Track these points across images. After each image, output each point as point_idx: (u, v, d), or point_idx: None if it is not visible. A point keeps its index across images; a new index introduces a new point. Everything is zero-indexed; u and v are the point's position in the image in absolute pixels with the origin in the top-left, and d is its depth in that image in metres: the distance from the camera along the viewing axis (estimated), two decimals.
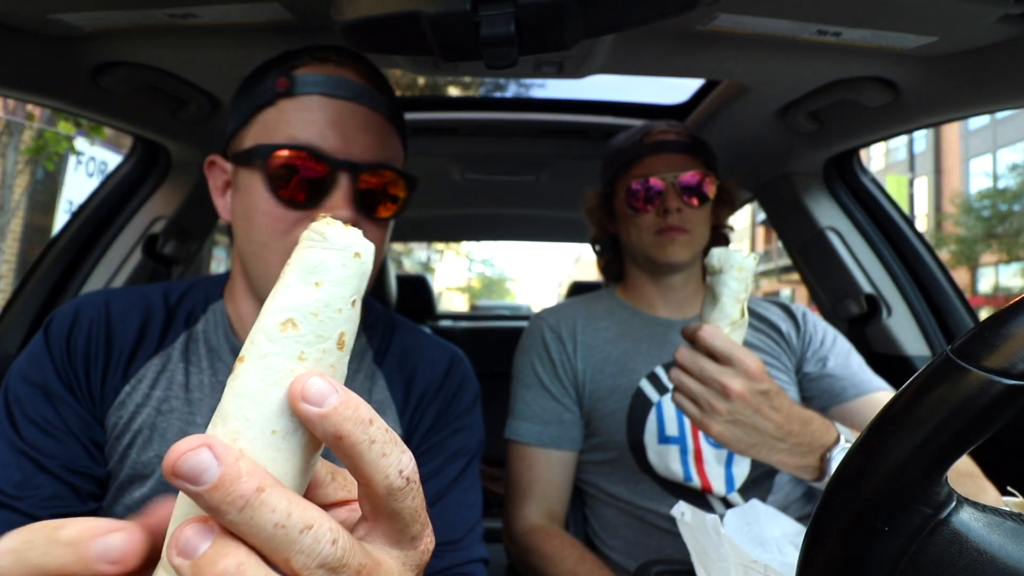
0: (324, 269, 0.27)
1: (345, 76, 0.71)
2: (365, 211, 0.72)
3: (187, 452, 0.24)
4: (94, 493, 0.69)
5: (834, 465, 0.75)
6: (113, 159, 7.54)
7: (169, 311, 0.77)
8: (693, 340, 0.74)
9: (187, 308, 0.79)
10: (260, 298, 0.72)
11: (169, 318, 0.77)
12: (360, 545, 0.27)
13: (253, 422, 0.26)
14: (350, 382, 0.80)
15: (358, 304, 0.28)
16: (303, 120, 0.68)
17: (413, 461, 0.29)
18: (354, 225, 0.68)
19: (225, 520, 0.24)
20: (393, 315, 0.93)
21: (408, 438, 0.81)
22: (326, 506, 0.33)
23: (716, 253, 0.76)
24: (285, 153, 0.67)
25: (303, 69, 0.71)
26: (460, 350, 0.92)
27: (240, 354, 0.27)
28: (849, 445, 0.76)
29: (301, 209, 0.68)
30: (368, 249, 0.28)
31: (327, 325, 0.27)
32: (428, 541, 0.31)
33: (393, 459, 0.27)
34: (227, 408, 0.26)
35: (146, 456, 0.70)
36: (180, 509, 0.27)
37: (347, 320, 0.28)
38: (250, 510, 0.24)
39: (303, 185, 0.68)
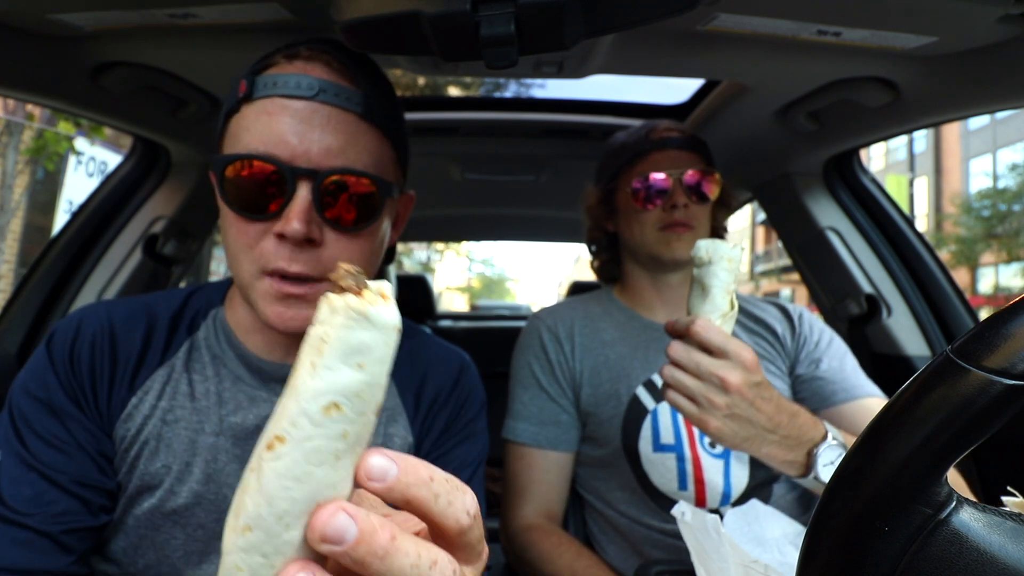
0: (367, 350, 0.26)
1: (309, 73, 0.65)
2: (333, 223, 0.66)
3: (329, 519, 0.26)
4: (105, 506, 0.69)
5: (820, 461, 0.75)
6: (113, 159, 7.53)
7: (172, 320, 0.76)
8: (684, 335, 0.73)
9: (190, 315, 0.77)
10: (246, 303, 0.70)
11: (173, 327, 0.75)
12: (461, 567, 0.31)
13: (299, 501, 0.27)
14: None
15: None
16: (259, 126, 0.64)
17: (474, 498, 0.31)
18: (318, 238, 0.64)
19: (370, 570, 0.27)
20: None
21: (418, 444, 0.81)
22: None
23: (703, 245, 0.75)
24: (237, 164, 0.63)
25: (269, 70, 0.67)
26: (467, 355, 0.92)
27: (277, 433, 0.27)
28: (836, 442, 0.76)
29: (261, 221, 0.64)
30: (396, 314, 0.28)
31: (368, 401, 0.27)
32: (486, 550, 0.34)
33: (459, 505, 0.30)
34: (271, 489, 0.26)
35: (153, 467, 0.69)
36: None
37: (384, 386, 0.28)
38: (389, 557, 0.27)
39: (259, 196, 0.63)
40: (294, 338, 0.68)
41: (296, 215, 0.62)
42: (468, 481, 0.82)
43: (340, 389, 0.26)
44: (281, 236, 0.63)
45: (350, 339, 0.26)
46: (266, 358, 0.74)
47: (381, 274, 2.20)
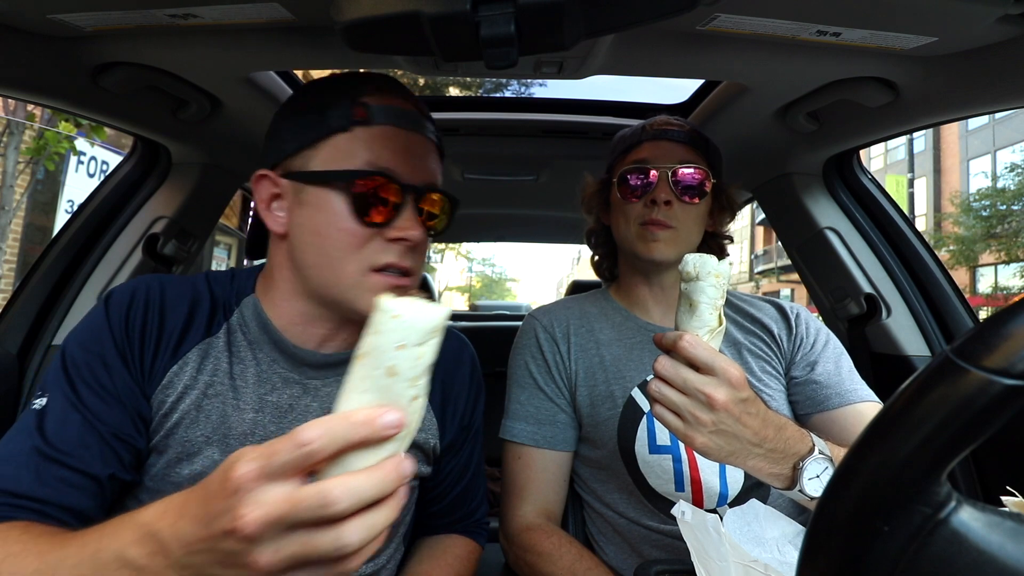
0: (372, 326, 0.45)
1: (407, 108, 0.80)
2: (428, 229, 0.83)
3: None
4: (133, 463, 0.74)
5: (806, 474, 0.75)
6: (114, 159, 7.53)
7: (213, 301, 0.83)
8: (671, 350, 0.73)
9: (225, 300, 0.84)
10: (324, 302, 0.80)
11: (213, 308, 0.82)
12: None
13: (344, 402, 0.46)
14: None
15: (409, 348, 0.45)
16: (379, 148, 0.76)
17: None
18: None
19: None
20: None
21: (441, 423, 0.94)
22: None
23: (690, 259, 0.74)
24: (368, 179, 0.75)
25: (371, 99, 0.78)
26: (464, 336, 1.05)
27: (359, 352, 0.46)
28: (822, 456, 0.76)
29: (376, 228, 0.76)
30: (411, 310, 0.45)
31: (378, 360, 0.45)
32: None
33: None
34: (340, 392, 0.46)
35: (193, 435, 0.75)
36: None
37: (393, 359, 0.45)
38: None
39: (380, 207, 0.76)
40: (329, 331, 0.83)
41: (415, 223, 0.78)
42: (473, 449, 1.03)
43: (361, 346, 0.46)
44: (394, 239, 0.77)
45: (373, 318, 0.45)
46: (301, 346, 0.82)
47: None
